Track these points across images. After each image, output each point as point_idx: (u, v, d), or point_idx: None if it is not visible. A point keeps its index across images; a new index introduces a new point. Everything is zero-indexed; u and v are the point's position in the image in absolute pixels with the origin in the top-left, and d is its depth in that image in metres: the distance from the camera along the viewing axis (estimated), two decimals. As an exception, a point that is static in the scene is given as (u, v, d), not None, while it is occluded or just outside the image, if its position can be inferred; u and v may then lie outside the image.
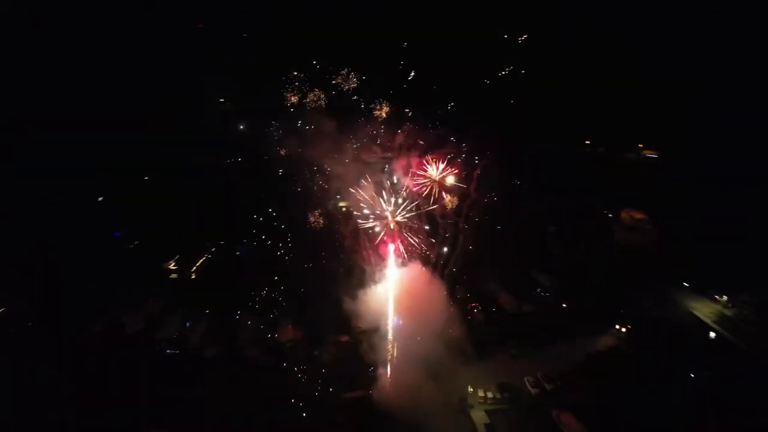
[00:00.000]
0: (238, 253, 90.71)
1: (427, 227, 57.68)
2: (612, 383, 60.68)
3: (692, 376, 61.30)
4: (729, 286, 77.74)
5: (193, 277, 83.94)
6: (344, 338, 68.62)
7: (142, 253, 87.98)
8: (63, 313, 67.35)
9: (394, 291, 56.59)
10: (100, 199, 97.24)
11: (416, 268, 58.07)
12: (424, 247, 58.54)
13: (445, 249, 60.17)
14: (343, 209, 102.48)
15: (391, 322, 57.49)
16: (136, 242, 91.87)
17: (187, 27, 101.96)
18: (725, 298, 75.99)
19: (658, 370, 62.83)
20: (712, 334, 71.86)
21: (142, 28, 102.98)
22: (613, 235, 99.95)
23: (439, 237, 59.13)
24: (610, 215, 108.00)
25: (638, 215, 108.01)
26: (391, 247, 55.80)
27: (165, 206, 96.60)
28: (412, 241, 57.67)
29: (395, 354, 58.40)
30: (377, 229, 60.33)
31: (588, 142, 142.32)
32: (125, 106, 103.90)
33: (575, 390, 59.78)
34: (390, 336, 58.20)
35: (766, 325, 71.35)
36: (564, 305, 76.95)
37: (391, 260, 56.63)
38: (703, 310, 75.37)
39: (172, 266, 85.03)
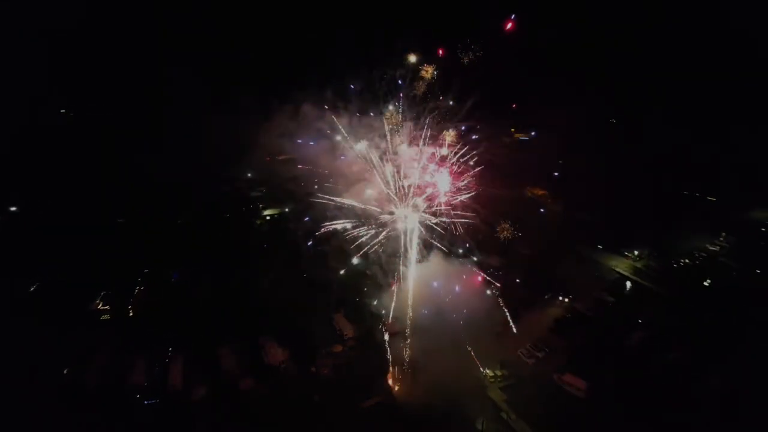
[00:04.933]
0: (173, 279, 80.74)
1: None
2: (586, 339, 69.63)
3: (639, 321, 73.19)
4: (633, 242, 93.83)
5: (132, 314, 72.34)
6: (337, 348, 66.41)
7: (53, 298, 73.02)
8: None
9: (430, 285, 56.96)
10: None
11: (442, 262, 58.98)
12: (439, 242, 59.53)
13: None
14: (275, 216, 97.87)
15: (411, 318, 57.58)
16: (36, 285, 75.89)
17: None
18: (636, 252, 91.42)
19: (613, 321, 73.74)
20: (628, 284, 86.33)
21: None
22: (532, 212, 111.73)
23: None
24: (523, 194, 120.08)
25: (539, 191, 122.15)
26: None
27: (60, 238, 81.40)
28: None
29: (410, 351, 58.77)
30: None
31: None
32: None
33: (562, 352, 67.03)
34: (407, 333, 58.30)
35: (666, 270, 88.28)
36: (518, 280, 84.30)
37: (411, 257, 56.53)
38: (621, 266, 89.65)
39: (100, 306, 72.14)
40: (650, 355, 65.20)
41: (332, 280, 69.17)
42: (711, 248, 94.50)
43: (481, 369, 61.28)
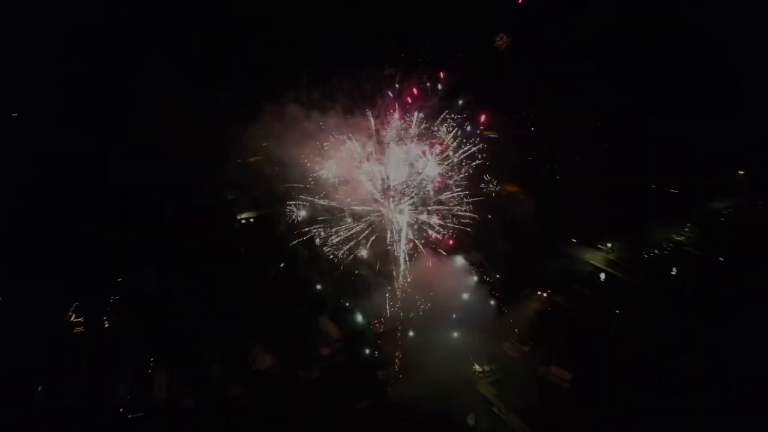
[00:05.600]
0: (150, 287, 77.69)
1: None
2: (567, 331, 71.46)
3: (617, 311, 75.78)
4: (606, 235, 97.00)
5: (107, 325, 69.42)
6: (325, 351, 65.77)
7: (21, 311, 69.09)
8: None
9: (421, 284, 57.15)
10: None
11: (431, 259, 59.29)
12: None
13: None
14: (250, 220, 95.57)
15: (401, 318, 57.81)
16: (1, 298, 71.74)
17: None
18: (609, 245, 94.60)
19: (592, 312, 76.00)
20: (603, 276, 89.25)
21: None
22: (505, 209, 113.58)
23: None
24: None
25: (511, 188, 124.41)
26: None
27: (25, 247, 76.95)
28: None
29: (400, 349, 58.95)
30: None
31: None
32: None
33: (546, 344, 68.66)
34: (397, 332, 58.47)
35: (637, 261, 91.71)
36: (498, 276, 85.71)
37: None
38: (595, 258, 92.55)
39: (72, 319, 68.95)
40: (629, 343, 67.59)
41: (317, 282, 68.49)
42: (677, 238, 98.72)
43: (474, 364, 62.14)
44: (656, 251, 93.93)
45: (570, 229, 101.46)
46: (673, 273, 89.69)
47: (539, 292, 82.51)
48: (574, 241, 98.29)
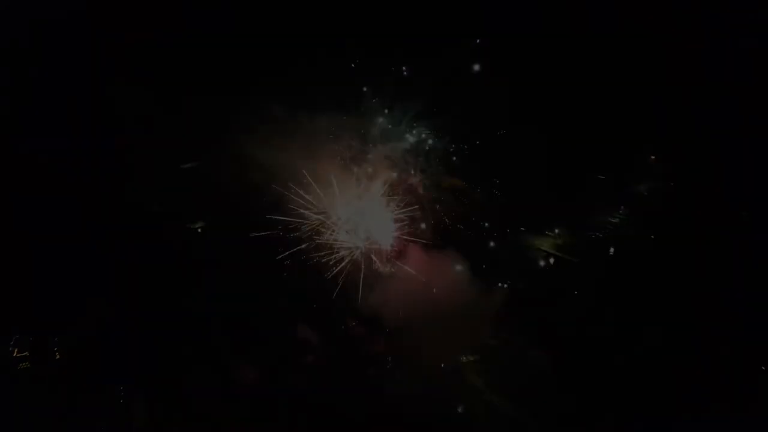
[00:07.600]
0: (103, 307, 70.47)
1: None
2: (535, 317, 75.09)
3: (576, 292, 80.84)
4: (551, 222, 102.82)
5: (58, 357, 62.24)
6: (309, 358, 63.81)
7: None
8: None
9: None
10: None
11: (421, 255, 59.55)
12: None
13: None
14: (198, 229, 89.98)
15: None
16: None
17: None
18: (557, 231, 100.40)
19: (552, 296, 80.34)
20: (553, 260, 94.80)
21: None
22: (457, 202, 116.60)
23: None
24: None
25: (457, 182, 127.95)
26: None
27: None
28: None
29: (388, 349, 58.89)
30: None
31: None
32: None
33: (519, 332, 71.79)
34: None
35: (582, 244, 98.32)
36: (459, 268, 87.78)
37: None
38: (545, 244, 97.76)
39: (15, 354, 60.99)
40: (593, 322, 72.55)
41: (294, 287, 66.35)
42: (613, 221, 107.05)
43: (462, 357, 63.67)
44: (598, 234, 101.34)
45: (517, 217, 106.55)
46: (611, 253, 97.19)
47: (500, 283, 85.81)
48: (523, 229, 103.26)
